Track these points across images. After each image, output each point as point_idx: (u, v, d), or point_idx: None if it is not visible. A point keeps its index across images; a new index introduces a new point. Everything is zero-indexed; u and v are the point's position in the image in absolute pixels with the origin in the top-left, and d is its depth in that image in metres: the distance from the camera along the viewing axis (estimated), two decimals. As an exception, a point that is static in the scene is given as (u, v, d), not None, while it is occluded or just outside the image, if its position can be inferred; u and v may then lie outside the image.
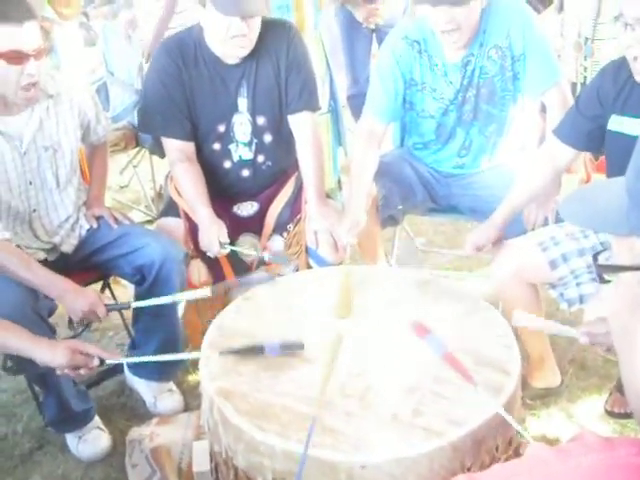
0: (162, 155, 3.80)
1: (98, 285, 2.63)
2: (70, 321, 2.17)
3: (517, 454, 1.56)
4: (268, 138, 2.60)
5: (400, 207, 2.72)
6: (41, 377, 2.25)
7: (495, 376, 1.60)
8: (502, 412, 1.46)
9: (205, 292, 2.12)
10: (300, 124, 2.61)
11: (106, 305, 2.11)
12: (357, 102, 4.41)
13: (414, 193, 2.74)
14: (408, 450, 1.38)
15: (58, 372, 1.81)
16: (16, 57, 2.02)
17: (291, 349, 1.73)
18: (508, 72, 2.50)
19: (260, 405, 1.55)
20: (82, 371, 1.79)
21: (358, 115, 4.37)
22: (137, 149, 3.86)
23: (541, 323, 1.87)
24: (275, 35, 2.52)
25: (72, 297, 2.09)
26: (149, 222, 3.77)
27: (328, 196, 2.69)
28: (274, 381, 1.64)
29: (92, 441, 2.38)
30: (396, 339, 1.77)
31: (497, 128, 2.64)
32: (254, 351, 1.73)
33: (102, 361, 1.80)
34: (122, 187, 4.34)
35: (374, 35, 4.44)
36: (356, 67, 4.45)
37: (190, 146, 2.55)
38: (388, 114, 2.59)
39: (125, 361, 2.04)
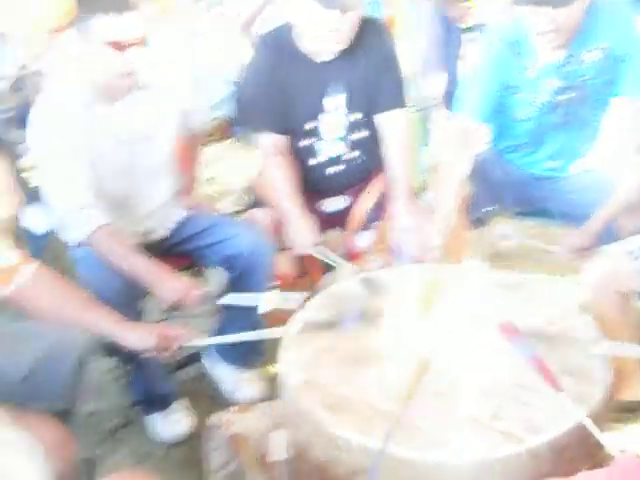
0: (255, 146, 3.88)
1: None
2: (161, 306, 2.23)
3: (598, 467, 1.53)
4: (361, 135, 2.61)
5: (489, 209, 2.69)
6: (129, 358, 2.34)
7: (581, 385, 1.56)
8: (586, 422, 1.43)
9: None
10: (390, 122, 2.62)
11: (198, 294, 2.16)
12: (450, 97, 4.37)
13: (503, 196, 2.71)
14: (485, 453, 1.37)
15: (144, 355, 1.87)
16: (118, 46, 2.09)
17: (368, 319, 1.78)
18: (606, 75, 2.43)
19: (340, 399, 1.56)
20: (167, 353, 1.84)
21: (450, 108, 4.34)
22: (231, 140, 3.93)
23: (623, 350, 1.81)
24: (367, 32, 2.52)
25: (165, 283, 2.15)
26: (240, 212, 3.82)
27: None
28: (355, 375, 1.65)
29: (174, 423, 2.45)
30: (480, 340, 1.75)
31: (591, 132, 2.59)
32: (333, 324, 1.77)
33: (187, 344, 1.85)
34: (211, 178, 4.41)
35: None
36: (450, 65, 4.40)
37: (283, 140, 2.59)
38: (480, 115, 2.56)
39: (207, 343, 2.07)
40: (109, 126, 2.27)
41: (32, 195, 2.46)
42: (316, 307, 1.94)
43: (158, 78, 2.35)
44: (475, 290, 1.97)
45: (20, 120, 4.00)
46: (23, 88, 3.92)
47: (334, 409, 1.53)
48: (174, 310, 2.30)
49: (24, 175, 2.89)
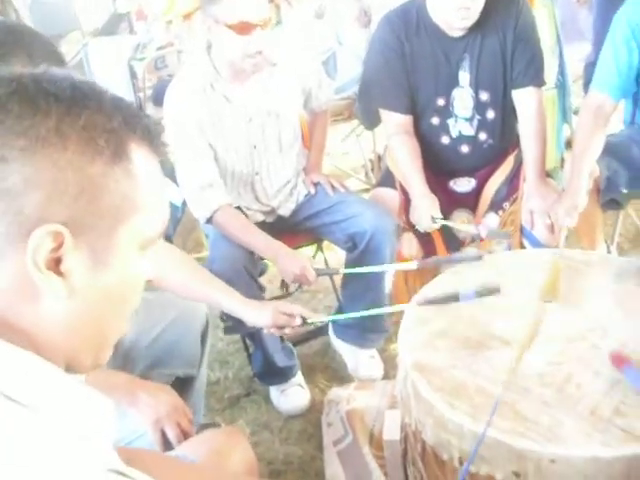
0: (370, 127, 3.86)
1: (310, 248, 2.75)
2: (283, 282, 2.27)
3: None
4: (491, 115, 2.53)
5: (625, 191, 2.55)
6: (250, 333, 2.40)
7: None
8: None
9: (411, 265, 2.13)
10: (525, 100, 2.52)
11: (316, 269, 2.18)
12: (593, 71, 4.14)
13: (640, 176, 2.56)
14: (603, 450, 1.30)
15: (265, 331, 1.91)
16: (244, 27, 2.13)
17: (487, 294, 1.73)
18: None
19: (453, 383, 1.54)
20: (287, 330, 1.87)
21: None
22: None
23: None
24: (502, 7, 2.44)
25: (285, 260, 2.19)
26: (366, 190, 3.84)
27: (549, 175, 2.59)
28: (470, 360, 1.61)
29: (293, 396, 2.50)
30: (603, 331, 1.67)
31: None
32: (449, 300, 1.75)
33: (305, 321, 1.87)
34: (343, 154, 4.44)
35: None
36: (601, 32, 4.15)
37: (408, 119, 2.55)
38: (620, 89, 2.41)
39: (326, 320, 2.09)
40: (236, 105, 2.32)
41: (172, 169, 2.55)
42: (439, 285, 1.91)
43: (285, 56, 2.38)
44: (603, 278, 1.88)
45: (159, 97, 4.19)
46: (163, 67, 4.09)
47: (447, 393, 1.50)
48: (295, 286, 2.34)
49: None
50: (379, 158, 4.06)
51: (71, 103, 0.73)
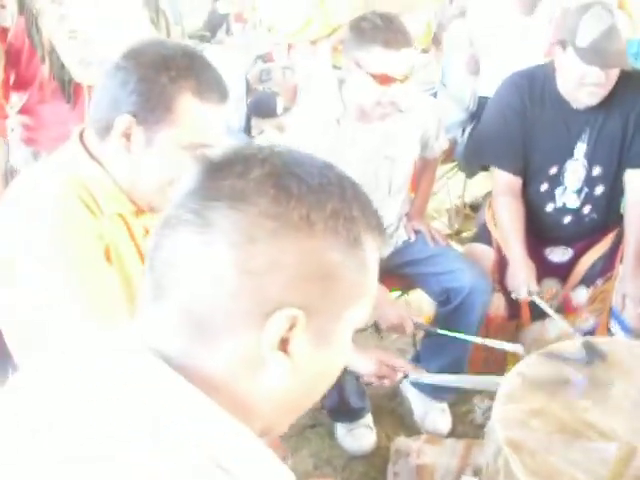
0: (470, 175, 3.86)
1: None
2: (376, 326, 2.28)
3: None
4: (599, 189, 2.52)
5: None
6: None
7: None
8: None
9: (517, 348, 2.11)
10: (636, 180, 2.51)
11: (414, 322, 2.20)
12: None
13: None
14: None
15: (365, 379, 1.92)
16: (385, 79, 2.16)
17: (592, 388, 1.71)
18: None
19: (548, 468, 1.54)
20: (386, 381, 1.88)
21: None
22: (454, 163, 3.93)
23: None
24: (629, 86, 2.43)
25: (386, 308, 2.21)
26: (447, 236, 3.83)
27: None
28: (566, 445, 1.61)
29: (359, 436, 2.51)
30: None
31: None
32: (552, 385, 1.75)
33: (406, 376, 1.88)
34: (434, 194, 4.43)
35: None
36: None
37: (518, 182, 2.56)
38: None
39: (427, 380, 2.09)
40: (356, 144, 2.34)
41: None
42: (535, 363, 1.91)
43: (412, 105, 2.40)
44: None
45: (257, 108, 4.25)
46: (267, 80, 4.14)
47: (541, 477, 1.50)
48: (392, 332, 2.34)
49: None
50: (465, 205, 4.07)
51: (319, 190, 0.75)
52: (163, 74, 1.37)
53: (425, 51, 4.67)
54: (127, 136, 1.39)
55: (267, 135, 4.38)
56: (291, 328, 0.73)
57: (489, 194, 3.68)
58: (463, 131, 3.74)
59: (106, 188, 1.45)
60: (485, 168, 3.34)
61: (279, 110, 4.08)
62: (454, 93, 3.92)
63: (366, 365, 1.85)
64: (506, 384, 1.81)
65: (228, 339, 0.74)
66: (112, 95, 1.39)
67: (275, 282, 0.72)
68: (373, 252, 0.79)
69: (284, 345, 0.74)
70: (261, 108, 4.12)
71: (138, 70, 1.37)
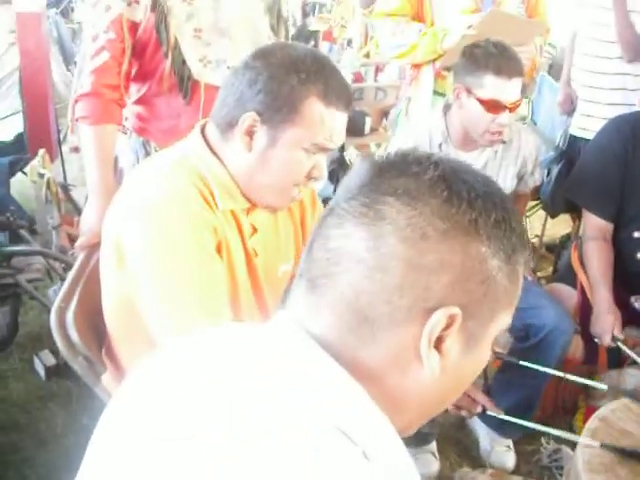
0: (553, 215, 3.81)
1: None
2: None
3: None
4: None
5: None
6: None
7: None
8: None
9: (601, 386, 2.08)
10: None
11: (495, 353, 2.17)
12: None
13: None
14: None
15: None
16: (496, 107, 2.17)
17: None
18: None
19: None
20: (464, 412, 1.86)
21: None
22: (536, 202, 3.90)
23: None
24: None
25: None
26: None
27: None
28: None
29: (424, 463, 2.49)
30: None
31: None
32: (637, 456, 1.68)
33: (485, 410, 1.86)
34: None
35: None
36: None
37: (610, 227, 2.54)
38: None
39: (504, 417, 2.06)
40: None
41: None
42: (620, 409, 1.87)
43: (512, 135, 2.40)
44: None
45: (348, 127, 4.28)
46: (359, 99, 4.17)
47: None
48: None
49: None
50: (542, 245, 4.03)
51: (486, 199, 0.78)
52: (293, 75, 1.40)
53: (524, 87, 4.65)
54: (250, 134, 1.43)
55: (349, 152, 4.42)
56: (448, 327, 0.76)
57: (568, 236, 3.66)
58: (550, 170, 3.71)
59: (224, 184, 1.48)
60: (569, 210, 3.31)
61: (367, 130, 4.12)
62: (544, 130, 3.91)
63: None
64: (591, 426, 1.78)
65: (387, 332, 0.76)
66: (239, 92, 1.43)
67: (440, 280, 0.75)
68: (523, 265, 0.82)
69: (439, 343, 0.77)
70: (350, 126, 4.14)
71: (268, 69, 1.41)
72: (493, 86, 2.15)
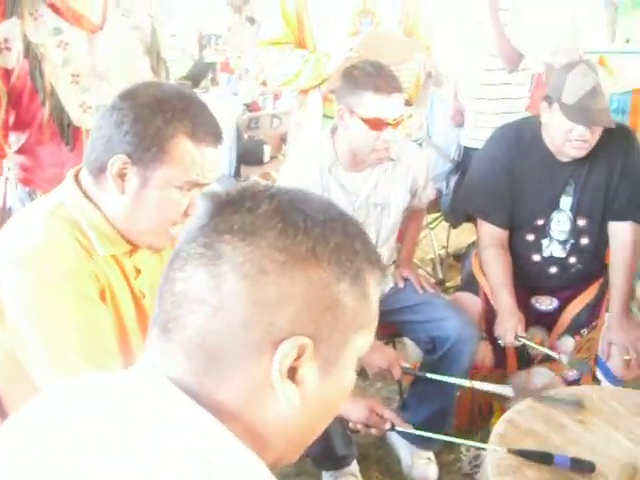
0: (454, 225, 3.90)
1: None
2: (362, 371, 2.29)
3: None
4: (584, 241, 2.57)
5: None
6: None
7: None
8: None
9: (506, 390, 2.12)
10: (621, 233, 2.56)
11: (402, 367, 2.20)
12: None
13: None
14: None
15: (350, 425, 1.92)
16: (378, 124, 2.20)
17: (581, 467, 1.69)
18: None
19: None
20: (373, 430, 1.87)
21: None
22: (438, 214, 3.98)
23: None
24: (613, 140, 2.49)
25: (373, 352, 2.20)
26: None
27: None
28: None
29: (346, 485, 2.49)
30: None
31: None
32: (542, 458, 1.71)
33: (393, 426, 1.87)
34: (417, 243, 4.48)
35: None
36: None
37: (505, 234, 2.60)
38: None
39: (413, 432, 2.09)
40: (347, 193, 2.38)
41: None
42: (526, 410, 1.91)
43: (403, 155, 2.44)
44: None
45: (245, 156, 4.30)
46: (255, 128, 4.20)
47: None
48: (380, 378, 2.34)
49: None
50: (448, 255, 4.11)
51: (324, 225, 0.79)
52: (158, 115, 1.39)
53: (409, 103, 4.75)
54: (122, 176, 1.41)
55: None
56: (299, 357, 0.76)
57: (473, 244, 3.75)
58: (448, 182, 3.80)
59: (101, 229, 1.46)
60: (470, 219, 3.39)
61: (266, 158, 4.15)
62: (439, 144, 4.00)
63: (356, 412, 1.85)
64: (498, 430, 1.81)
65: (239, 369, 0.76)
66: (107, 135, 1.41)
67: (285, 312, 0.76)
68: (374, 284, 0.83)
69: (293, 374, 0.77)
70: (249, 156, 4.18)
71: (133, 110, 1.40)
72: (373, 104, 2.19)
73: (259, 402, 0.78)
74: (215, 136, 1.46)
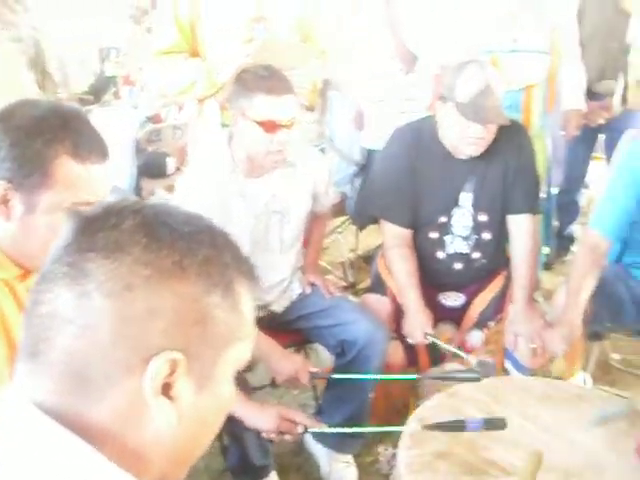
0: (361, 228, 3.93)
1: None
2: (273, 381, 2.27)
3: None
4: (487, 236, 2.62)
5: (608, 325, 2.64)
6: (228, 425, 2.35)
7: None
8: None
9: (410, 377, 2.14)
10: (519, 225, 2.63)
11: (310, 372, 2.19)
12: (563, 198, 4.34)
13: (624, 313, 2.65)
14: None
15: (263, 435, 1.90)
16: (272, 126, 2.19)
17: (494, 426, 1.73)
18: None
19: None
20: (287, 437, 1.85)
21: (561, 210, 4.31)
22: (345, 217, 4.00)
23: None
24: (507, 136, 2.55)
25: (280, 360, 2.20)
26: (343, 289, 3.87)
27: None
28: (470, 486, 1.63)
29: (265, 497, 2.46)
30: (599, 469, 1.71)
31: None
32: (455, 426, 1.75)
33: (306, 429, 1.86)
34: (325, 249, 4.48)
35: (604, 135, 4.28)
36: (572, 165, 4.37)
37: (408, 233, 2.63)
38: (614, 232, 2.53)
39: (328, 431, 2.09)
40: (247, 200, 2.35)
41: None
42: (436, 406, 1.94)
43: (302, 160, 2.43)
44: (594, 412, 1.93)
45: (149, 170, 4.21)
46: (157, 140, 4.13)
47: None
48: (289, 385, 2.32)
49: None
50: (358, 258, 4.13)
51: (190, 238, 0.78)
52: (36, 138, 1.33)
53: (310, 109, 4.76)
54: (4, 202, 1.35)
55: (159, 196, 4.35)
56: (172, 373, 0.75)
57: (381, 245, 3.78)
58: (353, 185, 3.82)
59: None
60: (376, 221, 3.42)
61: (169, 170, 4.08)
62: (342, 148, 4.02)
63: (266, 421, 1.83)
64: (409, 429, 1.82)
65: (112, 388, 0.74)
66: None
67: (153, 327, 0.74)
68: (246, 295, 0.82)
69: (167, 390, 0.75)
70: (151, 169, 4.10)
71: (9, 135, 1.33)
72: (265, 106, 2.17)
73: (135, 421, 0.75)
74: (100, 152, 1.41)
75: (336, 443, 2.57)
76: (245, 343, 0.83)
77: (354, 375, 2.25)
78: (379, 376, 2.28)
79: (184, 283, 0.76)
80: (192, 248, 0.77)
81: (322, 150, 4.11)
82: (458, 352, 2.46)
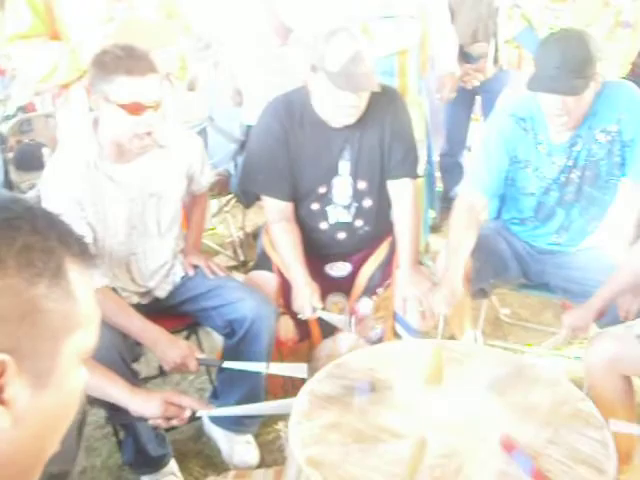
0: (247, 205, 3.89)
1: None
2: (161, 368, 2.21)
3: None
4: (368, 203, 2.63)
5: (492, 281, 2.70)
6: (118, 418, 2.28)
7: (590, 475, 1.56)
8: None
9: (301, 372, 2.11)
10: (399, 190, 2.64)
11: (198, 359, 2.15)
12: (447, 161, 4.45)
13: (507, 268, 2.71)
14: None
15: (151, 422, 1.85)
16: (136, 108, 2.10)
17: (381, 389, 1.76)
18: (615, 157, 2.46)
19: (348, 478, 1.55)
20: (175, 422, 1.81)
21: (445, 172, 4.41)
22: (231, 195, 3.94)
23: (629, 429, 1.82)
24: (381, 102, 2.55)
25: (165, 347, 2.14)
26: (234, 267, 3.84)
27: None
28: (363, 454, 1.64)
29: (166, 486, 2.41)
30: (487, 422, 1.75)
31: (598, 211, 2.60)
32: (342, 398, 1.77)
33: (194, 413, 1.82)
34: (212, 230, 4.42)
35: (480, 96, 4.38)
36: (452, 128, 4.46)
37: (289, 206, 2.60)
38: (490, 190, 2.58)
39: (217, 414, 2.05)
40: (119, 185, 2.26)
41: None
42: (325, 378, 1.93)
43: (172, 140, 2.36)
44: (480, 369, 1.97)
45: (22, 161, 4.01)
46: (29, 131, 3.93)
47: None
48: (177, 372, 2.27)
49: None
50: (247, 235, 4.09)
51: (5, 226, 0.71)
52: None
53: (192, 89, 4.66)
54: None
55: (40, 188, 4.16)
56: (1, 375, 0.69)
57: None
58: (236, 162, 3.77)
59: None
60: (260, 197, 3.38)
61: (46, 160, 3.89)
62: (222, 126, 3.95)
63: (150, 407, 1.78)
64: (298, 404, 1.81)
65: None
66: None
67: None
68: (80, 278, 0.76)
69: None
70: (26, 161, 3.91)
71: None
72: (127, 87, 2.08)
73: None
74: None
75: (234, 424, 2.53)
76: (88, 328, 0.78)
77: (243, 364, 2.22)
78: (266, 368, 2.24)
79: (3, 276, 0.69)
80: (8, 237, 0.71)
81: (204, 130, 4.05)
82: (339, 322, 2.47)
